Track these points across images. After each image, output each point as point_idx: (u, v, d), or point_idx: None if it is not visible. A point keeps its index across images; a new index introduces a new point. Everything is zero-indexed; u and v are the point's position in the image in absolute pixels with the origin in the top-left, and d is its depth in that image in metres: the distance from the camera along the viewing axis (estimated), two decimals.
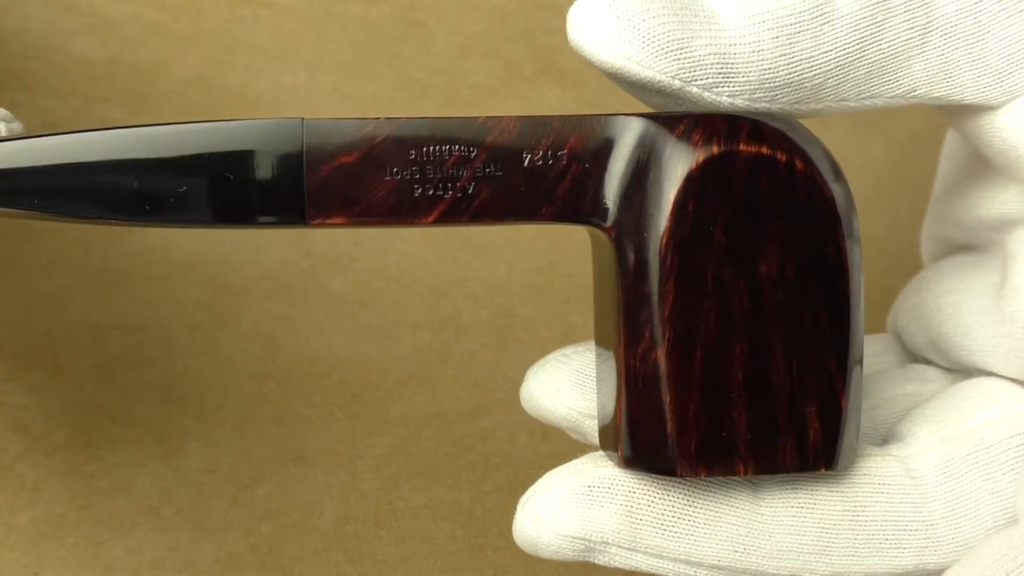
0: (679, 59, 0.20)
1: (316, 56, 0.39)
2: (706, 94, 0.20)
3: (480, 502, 0.34)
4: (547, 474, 0.22)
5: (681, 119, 0.20)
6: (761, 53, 0.20)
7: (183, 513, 0.32)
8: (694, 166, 0.20)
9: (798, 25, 0.20)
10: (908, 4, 0.21)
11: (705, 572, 0.21)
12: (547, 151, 0.20)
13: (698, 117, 0.20)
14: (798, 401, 0.20)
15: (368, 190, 0.20)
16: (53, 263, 0.36)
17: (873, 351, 0.27)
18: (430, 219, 0.20)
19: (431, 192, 0.20)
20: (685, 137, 0.20)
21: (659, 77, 0.20)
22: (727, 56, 0.20)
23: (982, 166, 0.24)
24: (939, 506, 0.22)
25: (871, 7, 0.21)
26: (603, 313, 0.22)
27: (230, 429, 0.33)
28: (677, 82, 0.20)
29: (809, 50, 0.20)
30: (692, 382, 0.20)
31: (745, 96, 0.20)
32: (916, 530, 0.22)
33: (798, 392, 0.20)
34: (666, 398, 0.20)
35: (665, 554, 0.21)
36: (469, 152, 0.20)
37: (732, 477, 0.21)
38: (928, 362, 0.26)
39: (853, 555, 0.22)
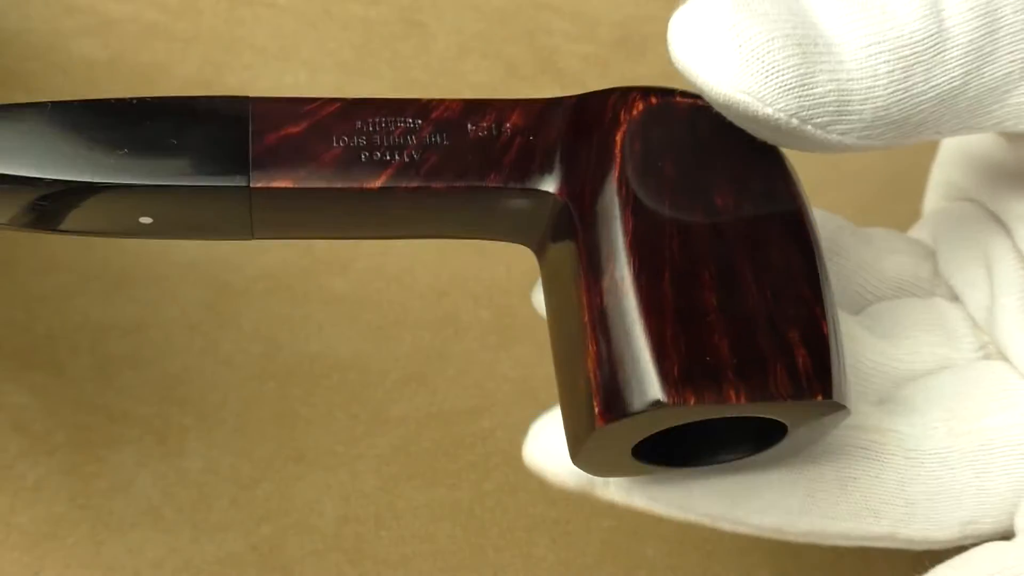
0: (800, 97, 0.18)
1: (316, 56, 0.39)
2: (819, 132, 0.19)
3: (480, 502, 0.34)
4: (558, 408, 0.22)
5: (612, 91, 0.21)
6: (875, 90, 0.19)
7: (183, 513, 0.32)
8: (635, 112, 0.20)
9: (912, 56, 0.19)
10: (1013, 35, 0.20)
11: (695, 517, 0.22)
12: (491, 125, 0.21)
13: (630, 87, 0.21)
14: (778, 326, 0.19)
15: (315, 155, 0.20)
16: (53, 263, 0.36)
17: (914, 251, 0.26)
18: (378, 183, 0.20)
19: (378, 157, 0.20)
20: (623, 98, 0.21)
21: (778, 115, 0.18)
22: (844, 93, 0.19)
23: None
24: (925, 488, 0.23)
25: (980, 36, 0.19)
26: (564, 313, 0.21)
27: (230, 429, 0.33)
28: (795, 121, 0.18)
29: (920, 84, 0.19)
30: (664, 305, 0.19)
31: (855, 134, 0.19)
32: (897, 505, 0.22)
33: (776, 317, 0.19)
34: (639, 324, 0.19)
35: (659, 498, 0.22)
36: (415, 124, 0.20)
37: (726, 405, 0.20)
38: (959, 300, 0.25)
39: (832, 518, 0.22)
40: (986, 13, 0.19)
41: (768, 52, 0.18)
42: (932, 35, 0.19)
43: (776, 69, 0.18)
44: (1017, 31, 0.20)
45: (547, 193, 0.20)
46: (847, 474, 0.22)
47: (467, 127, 0.21)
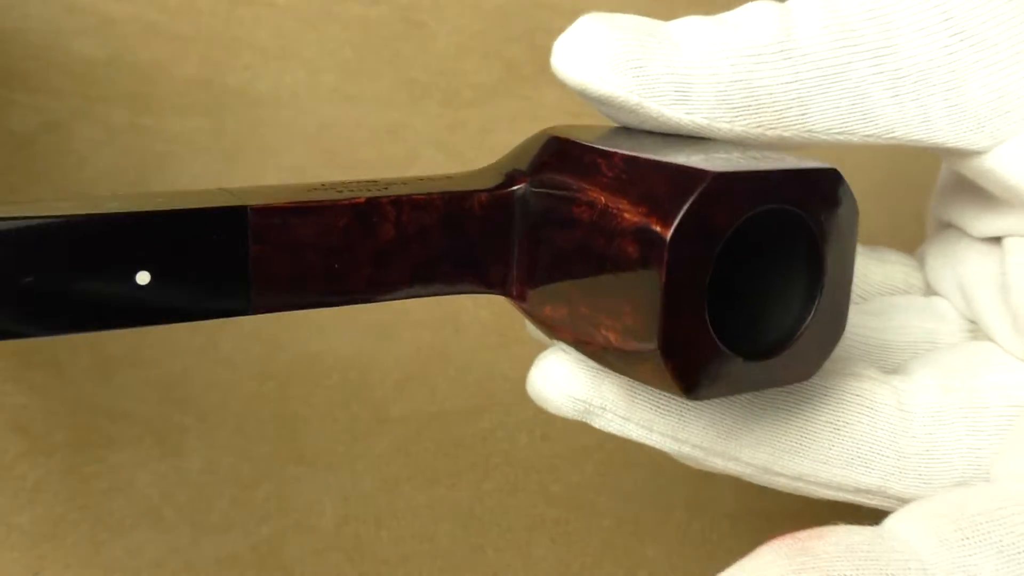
0: (637, 76, 0.21)
1: (316, 56, 0.39)
2: (665, 110, 0.22)
3: (480, 502, 0.34)
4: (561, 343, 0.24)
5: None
6: (717, 76, 0.22)
7: (183, 513, 0.32)
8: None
9: (757, 57, 0.22)
10: (875, 50, 0.22)
11: (688, 449, 0.23)
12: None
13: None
14: None
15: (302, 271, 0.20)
16: None
17: (907, 262, 0.28)
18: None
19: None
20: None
21: (619, 92, 0.21)
22: (684, 76, 0.22)
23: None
24: (917, 444, 0.23)
25: (835, 49, 0.22)
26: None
27: (230, 429, 0.33)
28: (635, 97, 0.21)
29: (767, 79, 0.22)
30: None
31: (703, 114, 0.22)
32: (887, 457, 0.23)
33: None
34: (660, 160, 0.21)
35: (655, 428, 0.23)
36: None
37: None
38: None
39: (824, 463, 0.23)
40: (841, 32, 0.22)
41: (608, 42, 0.21)
42: (780, 43, 0.22)
43: (613, 53, 0.21)
44: (876, 47, 0.22)
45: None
46: (840, 418, 0.23)
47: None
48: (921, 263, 0.28)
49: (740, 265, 0.22)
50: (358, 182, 0.21)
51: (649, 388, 0.23)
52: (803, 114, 0.22)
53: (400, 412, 0.34)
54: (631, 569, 0.34)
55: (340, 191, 0.21)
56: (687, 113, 0.22)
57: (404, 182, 0.22)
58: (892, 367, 0.25)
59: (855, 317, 0.25)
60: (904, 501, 0.23)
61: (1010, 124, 0.23)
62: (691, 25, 0.22)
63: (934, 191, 0.28)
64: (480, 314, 0.36)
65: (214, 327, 0.35)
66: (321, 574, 0.32)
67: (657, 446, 0.23)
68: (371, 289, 0.21)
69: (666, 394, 0.22)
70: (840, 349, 0.25)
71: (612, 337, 0.20)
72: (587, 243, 0.20)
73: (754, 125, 0.22)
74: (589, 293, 0.20)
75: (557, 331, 0.22)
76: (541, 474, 0.35)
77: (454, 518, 0.33)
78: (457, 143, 0.38)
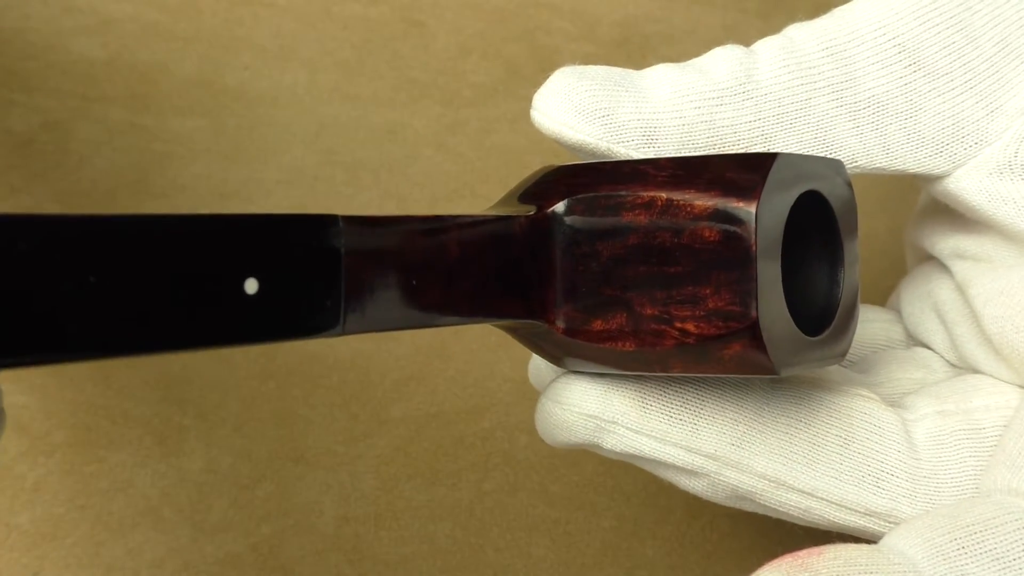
0: (605, 125, 0.22)
1: (316, 56, 0.39)
2: (633, 153, 0.23)
3: (480, 502, 0.34)
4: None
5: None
6: (682, 119, 0.23)
7: (183, 513, 0.32)
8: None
9: (719, 99, 0.23)
10: (834, 85, 0.23)
11: (701, 460, 0.23)
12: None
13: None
14: None
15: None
16: None
17: (884, 317, 0.29)
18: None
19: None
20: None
21: (589, 140, 0.23)
22: (650, 121, 0.23)
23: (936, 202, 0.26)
24: (926, 467, 0.24)
25: (795, 87, 0.23)
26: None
27: (230, 429, 0.33)
28: (604, 143, 0.22)
29: (730, 119, 0.23)
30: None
31: (672, 146, 0.23)
32: (900, 477, 0.23)
33: None
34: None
35: (668, 439, 0.23)
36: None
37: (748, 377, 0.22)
38: (931, 348, 0.28)
39: (836, 478, 0.23)
40: (800, 70, 0.23)
41: (576, 92, 0.23)
42: (740, 83, 0.23)
43: (581, 103, 0.22)
44: (835, 83, 0.23)
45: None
46: (850, 434, 0.23)
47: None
48: (898, 314, 0.29)
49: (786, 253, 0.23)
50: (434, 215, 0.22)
51: (662, 396, 0.23)
52: (768, 150, 0.23)
53: (400, 412, 0.34)
54: (631, 569, 0.34)
55: (423, 219, 0.21)
56: (656, 150, 0.23)
57: (444, 210, 0.23)
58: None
59: (843, 372, 0.26)
60: None
61: (966, 148, 0.24)
62: (658, 72, 0.23)
63: (911, 221, 0.29)
64: None
65: None
66: (321, 574, 0.32)
67: (670, 460, 0.23)
68: (442, 309, 0.21)
69: (680, 401, 0.23)
70: (840, 373, 0.26)
71: (691, 327, 0.21)
72: (649, 242, 0.21)
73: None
74: (656, 289, 0.21)
75: (612, 345, 0.22)
76: (541, 474, 0.35)
77: (454, 518, 0.33)
78: (457, 143, 0.38)
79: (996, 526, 0.21)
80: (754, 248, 0.20)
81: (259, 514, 0.32)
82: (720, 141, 0.23)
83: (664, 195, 0.21)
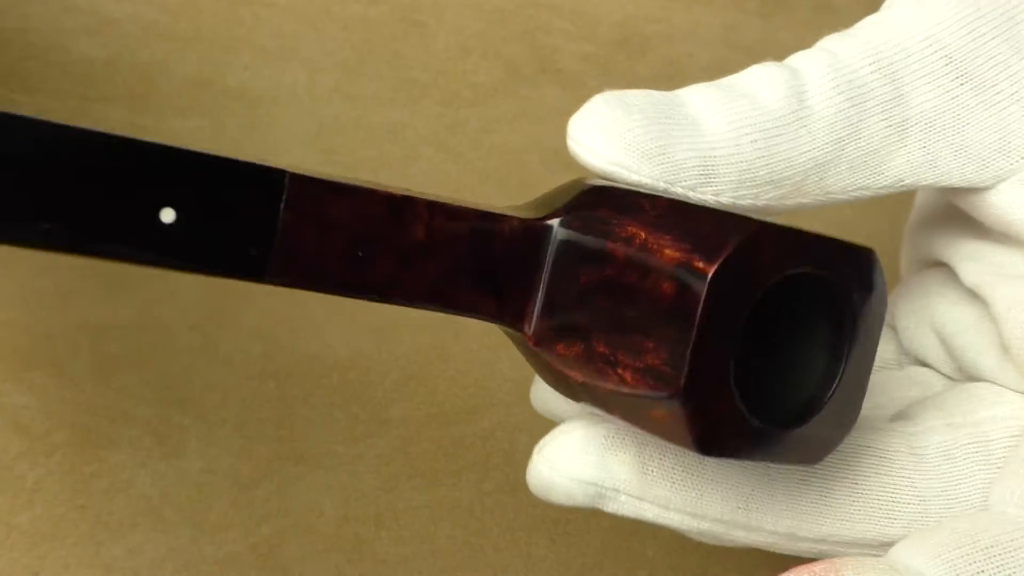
0: (662, 164, 0.21)
1: (316, 56, 0.39)
2: (691, 193, 0.22)
3: (480, 502, 0.34)
4: (563, 423, 0.23)
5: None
6: (740, 155, 0.22)
7: (183, 513, 0.32)
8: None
9: (776, 129, 0.22)
10: (884, 103, 0.23)
11: (708, 524, 0.22)
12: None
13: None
14: None
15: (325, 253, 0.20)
16: (53, 263, 0.36)
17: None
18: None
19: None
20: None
21: (646, 180, 0.21)
22: (707, 159, 0.21)
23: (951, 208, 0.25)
24: (935, 484, 0.23)
25: (846, 109, 0.22)
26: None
27: (230, 429, 0.33)
28: (662, 184, 0.21)
29: (787, 151, 0.22)
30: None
31: (728, 194, 0.22)
32: (909, 503, 0.23)
33: None
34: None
35: (671, 505, 0.22)
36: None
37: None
38: (926, 364, 0.27)
39: (847, 520, 0.23)
40: (850, 90, 0.22)
41: (628, 130, 0.21)
42: (794, 111, 0.22)
43: (635, 143, 0.21)
44: (885, 100, 0.23)
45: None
46: (858, 473, 0.23)
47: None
48: (890, 329, 0.28)
49: (765, 334, 0.21)
50: (398, 186, 0.21)
51: (663, 460, 0.22)
52: (821, 179, 0.22)
53: (400, 412, 0.34)
54: (631, 569, 0.34)
55: (377, 184, 0.20)
56: (713, 194, 0.22)
57: (442, 195, 0.21)
58: (884, 416, 0.25)
59: None
60: None
61: (1012, 161, 0.23)
62: (705, 99, 0.22)
63: (911, 225, 0.28)
64: None
65: (214, 327, 0.35)
66: (321, 574, 0.32)
67: (675, 526, 0.22)
68: (389, 288, 0.21)
69: (681, 465, 0.22)
70: None
71: (628, 377, 0.20)
72: (618, 278, 0.20)
73: (777, 198, 0.22)
74: (611, 330, 0.20)
75: (565, 370, 0.21)
76: None
77: (454, 518, 0.33)
78: (457, 143, 0.38)
79: (1014, 549, 0.21)
80: (698, 313, 0.19)
81: (259, 514, 0.32)
82: (778, 175, 0.22)
83: (643, 235, 0.20)
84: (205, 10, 0.39)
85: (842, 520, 0.23)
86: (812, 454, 0.21)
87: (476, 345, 0.36)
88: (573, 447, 0.22)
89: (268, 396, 0.34)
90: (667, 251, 0.19)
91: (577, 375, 0.21)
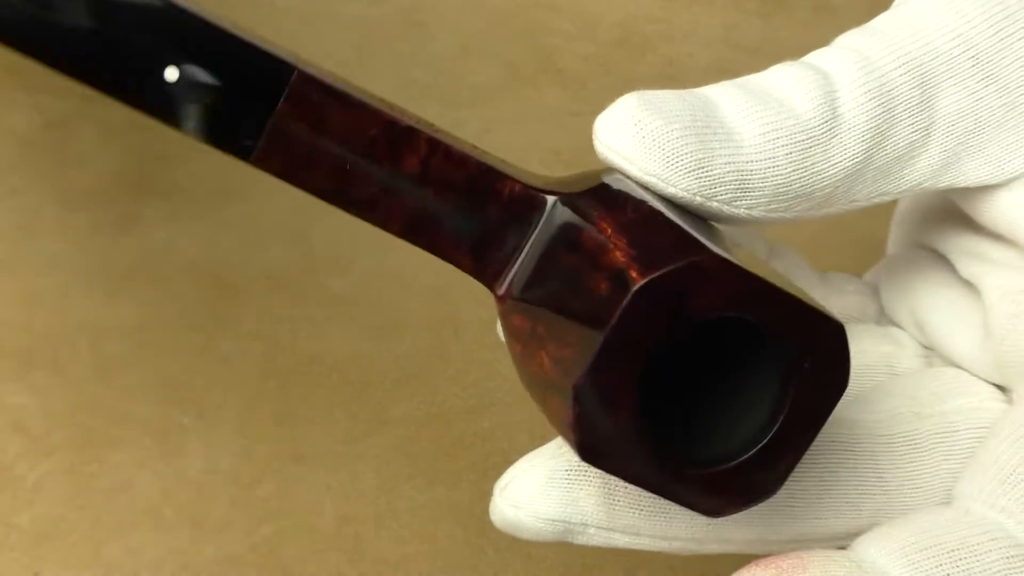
0: (700, 178, 0.21)
1: (316, 56, 0.39)
2: (725, 207, 0.21)
3: (480, 502, 0.34)
4: (524, 458, 0.22)
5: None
6: (776, 168, 0.21)
7: (183, 513, 0.32)
8: None
9: (809, 140, 0.21)
10: (912, 108, 0.22)
11: (680, 544, 0.22)
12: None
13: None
14: None
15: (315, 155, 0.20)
16: (53, 263, 0.36)
17: (861, 290, 0.28)
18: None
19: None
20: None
21: (682, 194, 0.21)
22: (744, 173, 0.21)
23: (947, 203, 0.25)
24: (900, 474, 0.23)
25: (877, 116, 0.22)
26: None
27: (230, 429, 0.33)
28: (699, 198, 0.21)
29: (821, 163, 0.21)
30: None
31: (761, 208, 0.21)
32: (875, 494, 0.23)
33: None
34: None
35: (641, 532, 0.22)
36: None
37: None
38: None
39: (816, 518, 0.23)
40: (880, 94, 0.22)
41: (667, 141, 0.20)
42: (827, 121, 0.21)
43: (675, 155, 0.20)
44: (913, 105, 0.22)
45: None
46: (825, 469, 0.23)
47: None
48: (875, 290, 0.28)
49: (727, 370, 0.21)
50: (418, 117, 0.21)
51: (628, 487, 0.21)
52: (849, 189, 0.22)
53: (400, 412, 0.34)
54: (631, 569, 0.34)
55: (391, 107, 0.20)
56: (747, 208, 0.21)
57: (459, 139, 0.21)
58: (857, 395, 0.25)
59: None
60: None
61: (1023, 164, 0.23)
62: (739, 105, 0.21)
63: (902, 211, 0.28)
64: (480, 314, 0.36)
65: (214, 327, 0.35)
66: (321, 574, 0.32)
67: (646, 549, 0.22)
68: (368, 208, 0.21)
69: (647, 491, 0.21)
70: None
71: (545, 363, 0.20)
72: (577, 268, 0.20)
73: (806, 209, 0.22)
74: (554, 315, 0.20)
75: (512, 341, 0.21)
76: None
77: (454, 518, 0.33)
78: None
79: (981, 553, 0.21)
80: (614, 319, 0.18)
81: (259, 514, 0.32)
82: (809, 188, 0.22)
83: (609, 232, 0.20)
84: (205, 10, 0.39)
85: (811, 518, 0.23)
86: (712, 506, 0.20)
87: (476, 345, 0.36)
88: (536, 485, 0.22)
89: (268, 396, 0.34)
90: (617, 253, 0.19)
91: (517, 349, 0.21)
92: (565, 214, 0.21)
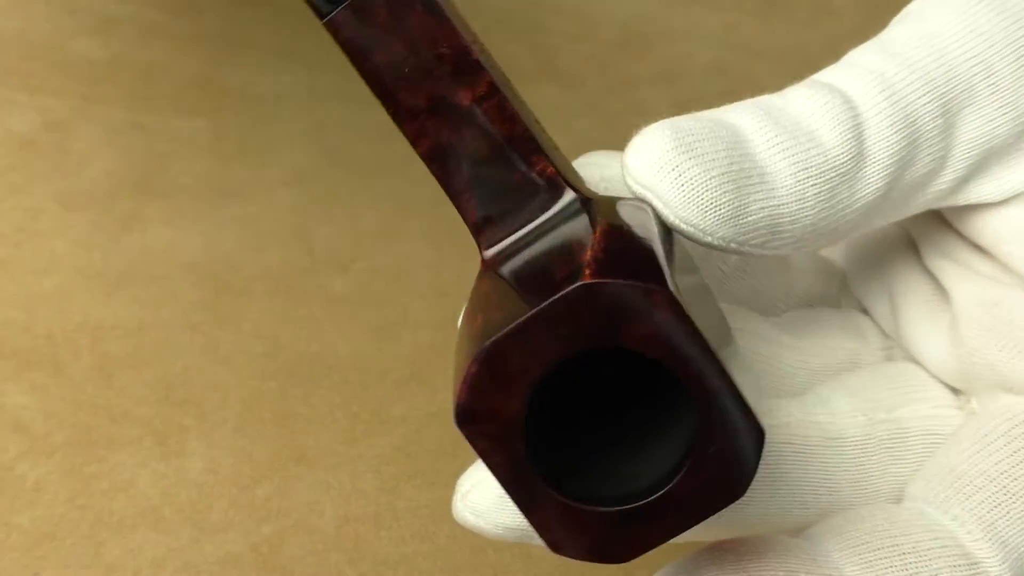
0: (736, 227, 0.20)
1: (316, 56, 0.39)
2: (756, 250, 0.21)
3: None
4: (481, 463, 0.22)
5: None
6: (804, 211, 0.21)
7: (183, 513, 0.32)
8: None
9: (837, 178, 0.21)
10: (932, 140, 0.22)
11: None
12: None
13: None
14: None
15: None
16: (53, 263, 0.36)
17: (823, 268, 0.28)
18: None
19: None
20: None
21: (719, 243, 0.21)
22: (775, 217, 0.21)
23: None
24: (849, 475, 0.23)
25: (901, 149, 0.21)
26: None
27: (230, 429, 0.33)
28: (734, 245, 0.21)
29: (846, 199, 0.21)
30: None
31: (788, 248, 0.21)
32: (822, 494, 0.23)
33: None
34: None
35: None
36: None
37: None
38: (868, 312, 0.27)
39: (764, 514, 0.23)
40: (905, 125, 0.21)
41: (706, 191, 0.20)
42: (854, 156, 0.21)
43: (713, 205, 0.20)
44: (934, 136, 0.22)
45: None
46: (777, 473, 0.23)
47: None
48: (834, 265, 0.28)
49: (638, 414, 0.20)
50: (496, 65, 0.21)
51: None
52: (868, 219, 0.22)
53: (400, 412, 0.34)
54: (630, 569, 0.34)
55: (474, 40, 0.21)
56: (775, 249, 0.21)
57: (523, 104, 0.21)
58: (808, 386, 0.25)
59: (777, 339, 0.25)
60: None
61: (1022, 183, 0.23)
62: (768, 140, 0.21)
63: None
64: None
65: (214, 327, 0.35)
66: (321, 574, 0.32)
67: None
68: (407, 116, 0.21)
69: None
70: (757, 384, 0.24)
71: (479, 322, 0.19)
72: (554, 258, 0.20)
73: (827, 243, 0.22)
74: (509, 286, 0.20)
75: (470, 302, 0.21)
76: None
77: (454, 518, 0.33)
78: None
79: (930, 559, 0.21)
80: (545, 303, 0.18)
81: (259, 514, 0.32)
82: (834, 226, 0.21)
83: (598, 234, 0.19)
84: (205, 10, 0.39)
85: (761, 517, 0.23)
86: (554, 538, 0.19)
87: None
88: (494, 496, 0.22)
89: (268, 396, 0.34)
90: (589, 252, 0.19)
91: (468, 309, 0.21)
92: (577, 213, 0.21)
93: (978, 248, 0.24)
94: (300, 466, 0.33)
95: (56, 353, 0.34)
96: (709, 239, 0.20)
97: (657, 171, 0.20)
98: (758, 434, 0.19)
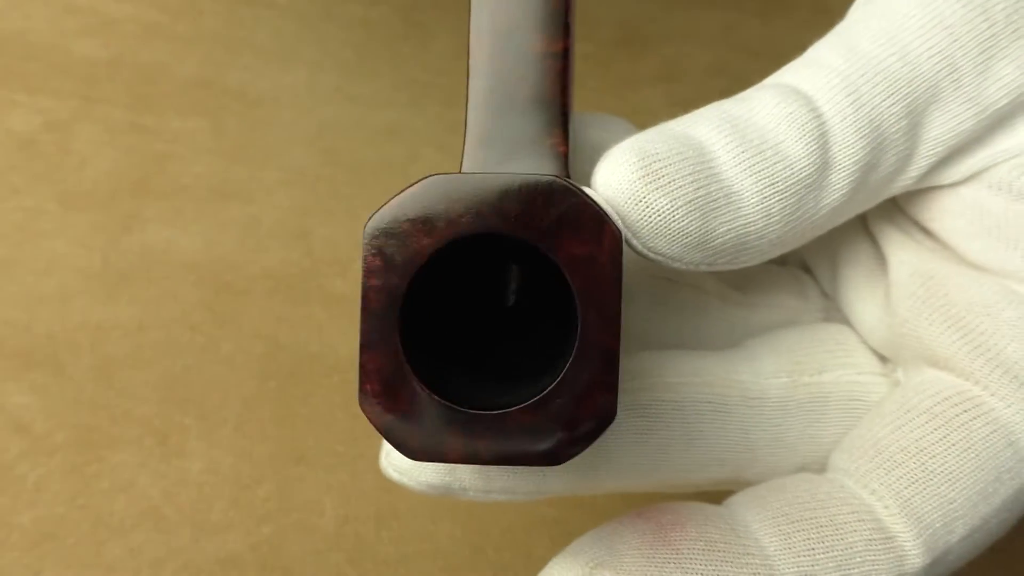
0: (703, 251, 0.21)
1: (317, 56, 0.39)
2: (725, 267, 0.22)
3: (480, 502, 0.34)
4: None
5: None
6: (770, 225, 0.21)
7: (184, 513, 0.32)
8: None
9: (803, 190, 0.21)
10: (897, 142, 0.22)
11: (556, 493, 0.23)
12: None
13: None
14: None
15: None
16: (53, 263, 0.36)
17: None
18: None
19: None
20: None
21: (687, 266, 0.21)
22: (742, 236, 0.21)
23: None
24: (765, 435, 0.24)
25: (863, 154, 0.21)
26: None
27: (230, 429, 0.33)
28: (703, 267, 0.21)
29: (811, 208, 0.21)
30: None
31: (756, 260, 0.22)
32: (740, 452, 0.24)
33: None
34: None
35: (517, 491, 0.23)
36: None
37: None
38: (810, 272, 0.27)
39: (681, 470, 0.23)
40: (870, 131, 0.21)
41: (673, 221, 0.20)
42: (819, 167, 0.21)
43: (680, 234, 0.20)
44: (898, 138, 0.22)
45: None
46: (695, 429, 0.23)
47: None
48: None
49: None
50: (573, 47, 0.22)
51: None
52: (832, 220, 0.22)
53: None
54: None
55: (571, 12, 0.22)
56: (744, 263, 0.22)
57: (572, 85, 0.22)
58: (746, 344, 0.25)
59: (718, 290, 0.26)
60: (753, 483, 0.24)
61: (977, 167, 0.23)
62: (735, 155, 0.21)
63: None
64: None
65: (214, 327, 0.35)
66: (321, 574, 0.32)
67: (526, 500, 0.23)
68: (485, 28, 0.22)
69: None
70: (698, 340, 0.25)
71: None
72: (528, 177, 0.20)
73: (794, 247, 0.22)
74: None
75: None
76: None
77: (454, 518, 0.33)
78: (457, 143, 0.38)
79: (846, 533, 0.22)
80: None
81: (259, 514, 0.32)
82: (799, 237, 0.22)
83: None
84: (205, 10, 0.39)
85: (677, 471, 0.23)
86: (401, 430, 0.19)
87: None
88: None
89: (268, 396, 0.34)
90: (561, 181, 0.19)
91: None
92: (561, 186, 0.20)
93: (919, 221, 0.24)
94: (300, 466, 0.33)
95: (56, 353, 0.34)
96: (677, 265, 0.21)
97: (625, 201, 0.20)
98: (604, 417, 0.18)
